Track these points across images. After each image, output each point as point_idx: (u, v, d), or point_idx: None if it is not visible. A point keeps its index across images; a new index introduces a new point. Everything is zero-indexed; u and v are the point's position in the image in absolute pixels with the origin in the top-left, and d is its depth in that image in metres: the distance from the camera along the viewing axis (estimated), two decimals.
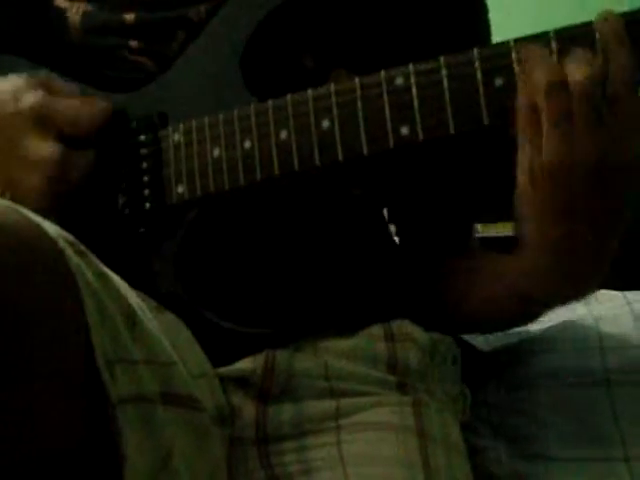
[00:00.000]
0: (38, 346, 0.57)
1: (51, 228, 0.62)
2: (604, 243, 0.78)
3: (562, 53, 0.70)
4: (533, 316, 0.95)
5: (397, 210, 1.04)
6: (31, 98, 0.84)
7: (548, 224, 0.76)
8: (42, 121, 0.84)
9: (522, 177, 0.74)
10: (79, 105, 0.86)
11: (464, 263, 0.96)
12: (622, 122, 0.69)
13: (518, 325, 1.02)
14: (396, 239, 1.05)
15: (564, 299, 0.88)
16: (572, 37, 0.70)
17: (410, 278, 0.98)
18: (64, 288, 0.60)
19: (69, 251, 0.61)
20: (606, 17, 0.69)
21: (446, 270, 0.97)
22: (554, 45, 0.71)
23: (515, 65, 0.71)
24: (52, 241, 0.60)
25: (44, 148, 0.83)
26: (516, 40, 0.72)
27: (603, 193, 0.72)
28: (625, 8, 0.70)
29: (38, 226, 0.61)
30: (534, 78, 0.70)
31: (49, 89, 0.86)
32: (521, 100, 0.71)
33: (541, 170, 0.72)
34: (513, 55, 0.71)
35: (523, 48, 0.71)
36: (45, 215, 0.65)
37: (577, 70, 0.68)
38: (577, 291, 0.85)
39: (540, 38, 0.71)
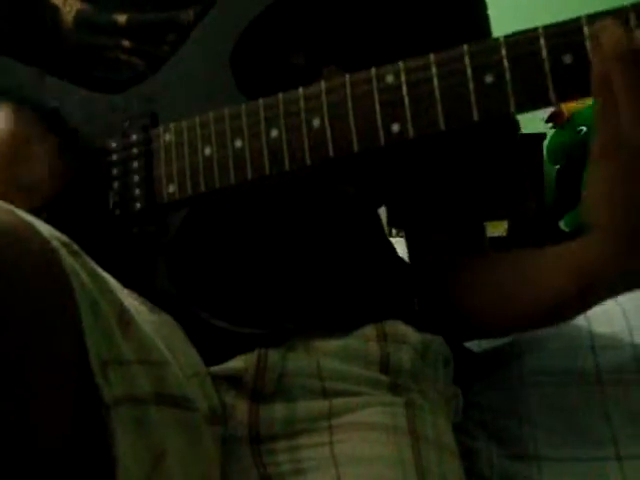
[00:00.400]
0: (30, 347, 0.57)
1: (44, 228, 0.62)
2: None
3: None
4: (585, 308, 0.93)
5: (396, 211, 1.04)
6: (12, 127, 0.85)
7: (620, 205, 0.74)
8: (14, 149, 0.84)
9: (596, 150, 0.73)
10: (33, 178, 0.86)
11: (491, 265, 0.96)
12: None
13: (565, 320, 1.00)
14: (393, 239, 1.05)
15: (622, 289, 0.86)
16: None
17: (404, 278, 0.98)
18: (58, 288, 0.60)
19: (63, 251, 0.61)
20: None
21: (469, 274, 0.97)
22: (632, 22, 0.69)
23: (505, 61, 0.71)
24: (45, 241, 0.60)
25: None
26: (506, 36, 0.72)
27: None
28: None
29: (31, 226, 0.61)
30: (604, 48, 0.68)
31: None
32: (594, 72, 0.68)
33: (615, 142, 0.70)
34: (503, 51, 0.71)
35: (598, 22, 0.69)
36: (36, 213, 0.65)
37: None
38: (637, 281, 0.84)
39: (530, 33, 0.71)
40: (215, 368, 0.83)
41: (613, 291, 0.87)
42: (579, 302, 0.88)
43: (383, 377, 0.88)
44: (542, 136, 3.13)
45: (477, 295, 0.96)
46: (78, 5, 0.94)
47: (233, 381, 0.83)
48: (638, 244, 0.77)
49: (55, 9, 0.95)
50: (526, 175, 0.99)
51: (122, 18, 0.92)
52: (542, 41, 0.70)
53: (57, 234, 0.63)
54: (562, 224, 3.11)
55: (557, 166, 3.27)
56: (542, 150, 3.17)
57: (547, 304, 0.90)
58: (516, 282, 0.93)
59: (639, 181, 0.71)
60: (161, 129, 0.86)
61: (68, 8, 0.95)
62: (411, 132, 0.75)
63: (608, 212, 0.76)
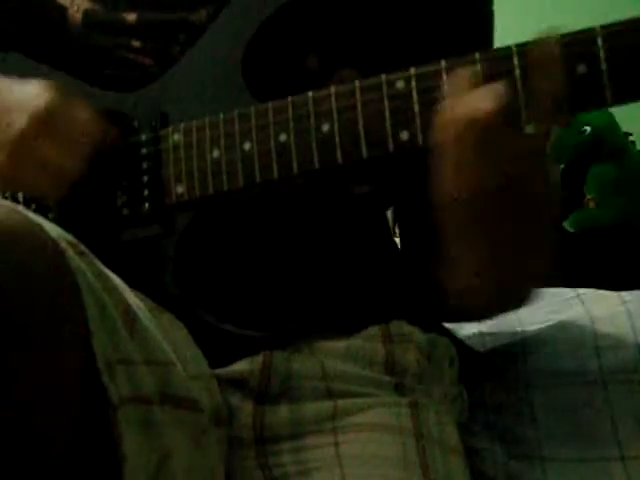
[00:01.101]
0: (37, 346, 0.57)
1: (52, 229, 0.62)
2: (521, 260, 0.82)
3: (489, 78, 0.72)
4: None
5: (404, 209, 1.04)
6: (45, 100, 0.85)
7: (472, 242, 0.80)
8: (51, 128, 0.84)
9: (436, 197, 0.76)
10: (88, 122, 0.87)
11: None
12: (527, 145, 0.72)
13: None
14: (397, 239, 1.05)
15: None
16: (499, 58, 0.72)
17: (409, 278, 0.98)
18: (65, 289, 0.60)
19: (70, 252, 0.61)
20: (541, 38, 0.71)
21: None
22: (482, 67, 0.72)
23: (517, 70, 0.71)
24: (53, 242, 0.61)
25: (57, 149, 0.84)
26: (517, 45, 0.71)
27: (514, 208, 0.74)
28: None
29: (39, 227, 0.61)
30: (443, 112, 0.72)
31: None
32: (436, 126, 0.73)
33: (457, 194, 0.74)
34: (515, 60, 0.71)
35: (451, 73, 0.73)
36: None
37: (476, 107, 0.70)
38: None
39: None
40: (220, 370, 0.83)
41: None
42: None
43: (388, 377, 0.88)
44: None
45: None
46: (86, 4, 0.94)
47: (238, 383, 0.83)
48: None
49: (62, 9, 0.95)
50: None
51: (131, 17, 0.92)
52: (558, 49, 0.70)
53: (65, 234, 0.63)
54: (567, 224, 3.11)
55: (561, 166, 3.26)
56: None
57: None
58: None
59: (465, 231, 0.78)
60: (170, 129, 0.86)
61: (76, 7, 0.95)
62: (420, 140, 0.75)
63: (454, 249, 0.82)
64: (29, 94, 0.86)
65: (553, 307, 1.17)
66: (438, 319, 0.96)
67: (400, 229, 1.05)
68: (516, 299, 0.91)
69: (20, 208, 0.62)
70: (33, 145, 0.84)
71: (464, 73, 0.72)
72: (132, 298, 0.70)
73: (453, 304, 0.92)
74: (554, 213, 0.81)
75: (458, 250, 0.81)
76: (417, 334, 0.91)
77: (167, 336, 0.74)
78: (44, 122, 0.84)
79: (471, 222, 0.77)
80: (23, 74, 0.90)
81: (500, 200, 0.73)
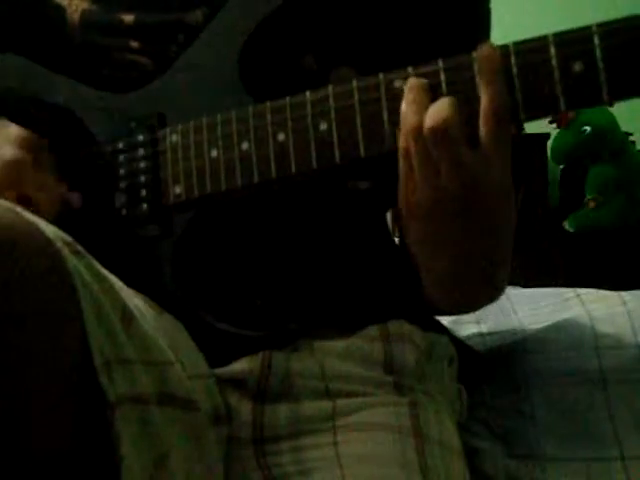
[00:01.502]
0: (34, 346, 0.58)
1: (48, 228, 0.62)
2: (486, 267, 0.86)
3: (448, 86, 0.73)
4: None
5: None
6: (10, 155, 0.84)
7: (431, 252, 0.85)
8: (8, 181, 0.83)
9: (401, 208, 0.80)
10: (42, 195, 0.85)
11: None
12: (488, 153, 0.73)
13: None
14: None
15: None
16: (455, 68, 0.73)
17: (408, 278, 0.98)
18: (61, 288, 0.60)
19: (66, 251, 0.61)
20: (483, 50, 0.72)
21: None
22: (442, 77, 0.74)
23: (514, 69, 0.71)
24: (49, 241, 0.61)
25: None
26: (515, 43, 0.71)
27: (472, 213, 0.77)
28: None
29: (35, 226, 0.61)
30: (404, 122, 0.74)
31: (33, 154, 0.85)
32: (399, 144, 0.75)
33: (414, 205, 0.78)
34: (512, 59, 0.71)
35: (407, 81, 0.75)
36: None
37: (432, 116, 0.72)
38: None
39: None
40: (219, 370, 0.83)
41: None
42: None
43: (387, 377, 0.88)
44: (546, 136, 3.13)
45: None
46: (84, 5, 0.94)
47: (237, 383, 0.83)
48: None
49: (60, 9, 0.95)
50: (519, 171, 1.00)
51: (129, 18, 0.92)
52: (552, 49, 0.70)
53: (61, 234, 0.63)
54: (566, 224, 3.11)
55: (561, 166, 3.26)
56: (546, 150, 3.16)
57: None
58: None
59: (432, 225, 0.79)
60: (168, 130, 0.86)
61: (74, 7, 0.95)
62: None
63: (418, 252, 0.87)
64: None
65: (553, 307, 1.17)
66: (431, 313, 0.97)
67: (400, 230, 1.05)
68: (477, 300, 0.95)
69: (16, 208, 0.62)
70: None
71: (419, 83, 0.74)
72: (129, 297, 0.71)
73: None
74: (510, 227, 0.84)
75: (419, 259, 0.87)
76: (416, 333, 0.91)
77: (166, 336, 0.74)
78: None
79: (426, 232, 0.81)
80: (20, 75, 0.90)
81: (455, 212, 0.76)
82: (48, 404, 0.59)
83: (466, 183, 0.73)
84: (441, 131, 0.71)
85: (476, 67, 0.72)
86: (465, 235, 0.80)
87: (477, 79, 0.72)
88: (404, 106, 0.74)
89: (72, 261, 0.61)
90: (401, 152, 0.75)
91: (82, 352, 0.60)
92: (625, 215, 3.03)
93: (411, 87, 0.74)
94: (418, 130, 0.72)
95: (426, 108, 0.72)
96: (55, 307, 0.59)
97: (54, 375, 0.59)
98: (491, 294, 0.93)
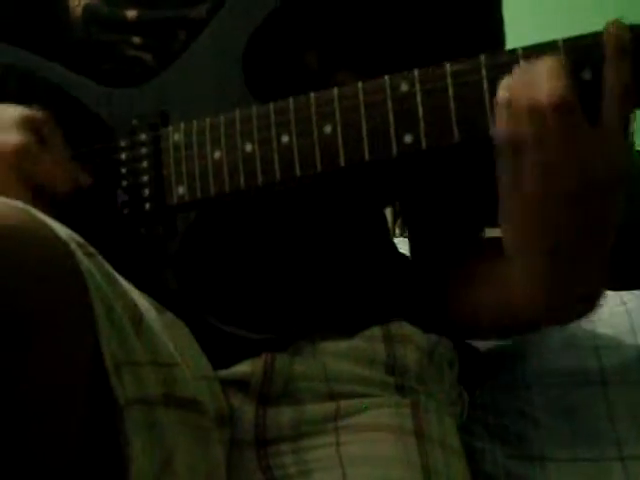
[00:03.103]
0: (47, 348, 0.57)
1: (61, 230, 0.62)
2: (592, 257, 0.78)
3: (565, 68, 0.68)
4: (539, 324, 0.95)
5: (408, 207, 1.04)
6: (15, 140, 0.83)
7: (532, 245, 0.76)
8: (19, 167, 0.83)
9: (506, 195, 0.74)
10: (57, 171, 0.85)
11: (478, 268, 0.95)
12: (608, 130, 0.69)
13: (529, 331, 1.01)
14: (397, 239, 1.05)
15: (566, 312, 0.88)
16: (581, 48, 0.69)
17: (409, 279, 0.98)
18: (74, 290, 0.60)
19: (79, 253, 0.61)
20: (613, 27, 0.68)
21: (461, 275, 0.97)
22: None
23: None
24: (63, 243, 0.61)
25: (13, 194, 0.81)
26: (524, 48, 0.70)
27: (588, 202, 0.72)
28: None
29: (49, 228, 0.61)
30: (512, 103, 0.69)
31: (38, 133, 0.85)
32: (498, 126, 0.70)
33: (523, 198, 0.72)
34: (521, 63, 0.70)
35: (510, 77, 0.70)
36: None
37: (551, 86, 0.67)
38: (576, 302, 0.85)
39: (548, 47, 0.70)
40: (223, 372, 0.83)
41: (557, 313, 0.88)
42: (526, 315, 0.88)
43: (389, 378, 0.88)
44: None
45: (467, 294, 0.96)
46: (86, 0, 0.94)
47: (240, 385, 0.83)
48: (549, 274, 0.79)
49: (64, 2, 0.95)
50: None
51: (132, 14, 0.92)
52: (561, 55, 0.69)
53: (74, 235, 0.63)
54: None
55: None
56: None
57: (495, 315, 0.91)
58: (484, 287, 0.93)
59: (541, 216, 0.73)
60: (171, 129, 0.86)
61: (77, 2, 0.94)
62: (424, 143, 0.74)
63: (520, 250, 0.79)
64: None
65: None
66: (449, 333, 0.96)
67: (410, 239, 1.05)
68: (558, 318, 0.90)
69: (30, 208, 0.62)
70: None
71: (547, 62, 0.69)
72: (139, 299, 0.71)
73: (486, 319, 0.92)
74: (613, 234, 0.79)
75: (515, 251, 0.80)
76: (418, 335, 0.91)
77: (171, 337, 0.74)
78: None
79: (539, 225, 0.74)
80: (13, 64, 0.90)
81: (571, 206, 0.71)
82: (58, 405, 0.59)
83: (585, 162, 0.69)
84: (562, 101, 0.67)
85: (486, 69, 0.71)
86: (572, 226, 0.73)
87: (487, 82, 0.71)
88: (510, 87, 0.69)
89: (85, 263, 0.61)
90: (507, 138, 0.70)
91: (93, 354, 0.60)
92: (625, 215, 3.02)
93: (519, 69, 0.70)
94: (534, 106, 0.68)
95: (537, 85, 0.68)
96: (68, 309, 0.59)
97: (65, 377, 0.59)
98: (586, 305, 0.87)
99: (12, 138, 0.83)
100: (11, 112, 0.85)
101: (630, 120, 0.70)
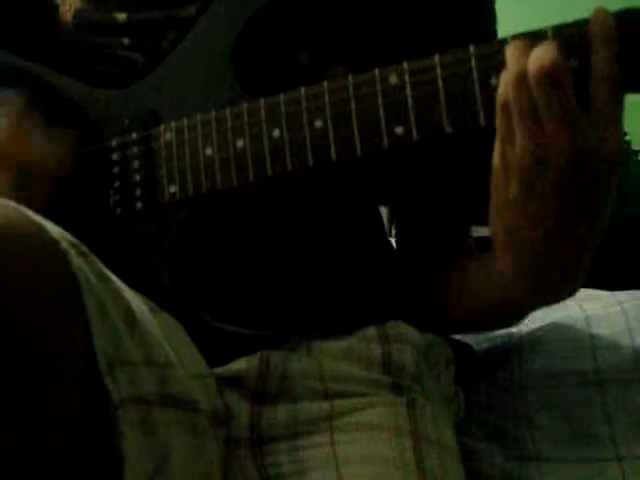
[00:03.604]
0: (40, 347, 0.57)
1: (54, 229, 0.62)
2: (581, 241, 0.75)
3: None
4: (517, 317, 0.95)
5: (398, 206, 1.04)
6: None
7: (522, 223, 0.74)
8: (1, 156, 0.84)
9: (495, 175, 0.73)
10: (41, 153, 0.86)
11: (461, 262, 0.95)
12: (598, 115, 0.68)
13: (506, 326, 1.02)
14: (393, 239, 1.05)
15: (545, 299, 0.86)
16: (569, 35, 0.69)
17: (405, 279, 0.98)
18: (67, 290, 0.60)
19: (72, 252, 0.61)
20: (597, 15, 0.68)
21: (444, 270, 0.97)
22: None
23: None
24: (55, 242, 0.61)
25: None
26: (513, 36, 0.70)
27: (579, 190, 0.70)
28: None
29: (41, 227, 0.61)
30: (505, 72, 0.69)
31: (24, 119, 0.85)
32: (498, 94, 0.70)
33: (513, 167, 0.71)
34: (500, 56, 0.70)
35: (508, 46, 0.70)
36: None
37: (540, 57, 0.67)
38: (558, 290, 0.84)
39: (537, 35, 0.70)
40: (217, 370, 0.83)
41: (536, 302, 0.87)
42: (506, 310, 0.89)
43: (385, 378, 0.88)
44: None
45: (450, 291, 0.96)
46: (77, 4, 0.94)
47: (235, 383, 0.83)
48: (536, 261, 0.77)
49: (54, 7, 0.95)
50: None
51: (122, 16, 0.92)
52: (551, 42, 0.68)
53: (66, 235, 0.63)
54: None
55: None
56: None
57: (484, 309, 0.91)
58: (463, 282, 0.93)
59: (530, 202, 0.72)
60: (162, 128, 0.86)
61: (67, 7, 0.94)
62: (415, 135, 0.74)
63: (510, 231, 0.76)
64: None
65: (548, 307, 1.17)
66: (436, 329, 0.96)
67: (397, 233, 1.05)
68: (558, 291, 0.85)
69: (22, 208, 0.61)
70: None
71: (522, 39, 0.69)
72: (132, 299, 0.70)
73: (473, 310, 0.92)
74: (608, 214, 0.76)
75: (504, 233, 0.78)
76: (413, 334, 0.91)
77: (165, 336, 0.74)
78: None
79: (518, 199, 0.73)
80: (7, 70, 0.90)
81: (556, 180, 0.70)
82: (52, 405, 0.59)
83: (576, 141, 0.68)
84: (548, 72, 0.66)
85: (476, 60, 0.71)
86: (564, 208, 0.72)
87: (477, 73, 0.71)
88: (508, 57, 0.69)
89: (77, 262, 0.61)
90: (500, 107, 0.69)
91: (87, 353, 0.60)
92: (620, 215, 3.04)
93: (514, 42, 0.70)
94: (521, 76, 0.67)
95: (528, 54, 0.68)
96: (60, 308, 0.59)
97: (59, 376, 0.59)
98: (572, 286, 0.84)
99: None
100: None
101: (622, 106, 0.69)
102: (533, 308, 0.90)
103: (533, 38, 0.69)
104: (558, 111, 0.67)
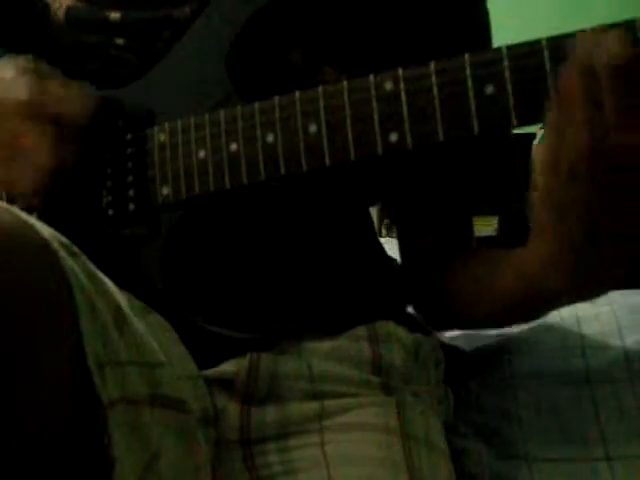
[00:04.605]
0: (29, 347, 0.57)
1: (44, 229, 0.62)
2: (624, 238, 0.72)
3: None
4: (535, 313, 0.92)
5: (392, 204, 1.04)
6: (23, 86, 0.84)
7: (566, 214, 0.72)
8: (35, 110, 0.84)
9: (543, 167, 0.71)
10: (70, 95, 0.86)
11: (475, 260, 0.95)
12: None
13: (534, 319, 0.99)
14: (383, 239, 1.05)
15: (583, 294, 0.83)
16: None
17: (394, 279, 0.98)
18: (57, 289, 0.60)
19: (62, 253, 0.61)
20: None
21: (455, 268, 0.96)
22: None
23: (507, 72, 0.69)
24: (45, 242, 0.60)
25: (36, 137, 0.83)
26: (509, 47, 0.70)
27: (631, 187, 0.68)
28: None
29: (31, 227, 0.61)
30: (572, 60, 0.66)
31: (39, 75, 0.85)
32: (561, 82, 0.67)
33: (564, 158, 0.69)
34: (505, 62, 0.70)
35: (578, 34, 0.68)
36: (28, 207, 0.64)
37: (611, 51, 0.65)
38: (596, 285, 0.80)
39: (532, 45, 0.69)
40: (207, 371, 0.83)
41: (561, 300, 0.85)
42: (526, 307, 0.87)
43: (375, 378, 0.88)
44: (532, 136, 3.14)
45: (457, 290, 0.96)
46: (68, 1, 0.94)
47: (225, 384, 0.83)
48: (582, 256, 0.74)
49: (45, 5, 0.95)
50: (515, 172, 0.98)
51: (115, 15, 0.91)
52: (546, 53, 0.69)
53: (57, 235, 0.63)
54: None
55: None
56: (531, 150, 3.17)
57: (499, 305, 0.89)
58: (479, 282, 0.92)
59: (578, 192, 0.69)
60: (156, 129, 0.86)
61: (58, 5, 0.94)
62: (409, 142, 0.74)
63: (548, 218, 0.74)
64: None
65: None
66: (439, 325, 0.95)
67: (399, 236, 1.04)
68: (602, 283, 0.80)
69: (12, 208, 0.61)
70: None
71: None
72: (123, 299, 0.70)
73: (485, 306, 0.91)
74: None
75: (543, 228, 0.75)
76: (403, 334, 0.91)
77: (155, 337, 0.74)
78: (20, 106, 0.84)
79: (567, 193, 0.70)
80: None
81: (610, 173, 0.67)
82: (41, 405, 0.58)
83: (633, 140, 0.65)
84: (620, 65, 0.64)
85: (470, 68, 0.71)
86: (611, 205, 0.69)
87: (471, 81, 0.71)
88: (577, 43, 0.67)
89: (68, 262, 0.61)
90: (561, 97, 0.67)
91: (76, 354, 0.60)
92: None
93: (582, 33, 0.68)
94: (591, 66, 0.65)
95: (599, 44, 0.65)
96: (51, 308, 0.59)
97: (48, 376, 0.59)
98: (608, 285, 0.80)
99: (18, 86, 0.84)
100: (4, 66, 0.87)
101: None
102: (563, 302, 0.88)
103: (529, 49, 0.69)
104: (626, 103, 0.65)
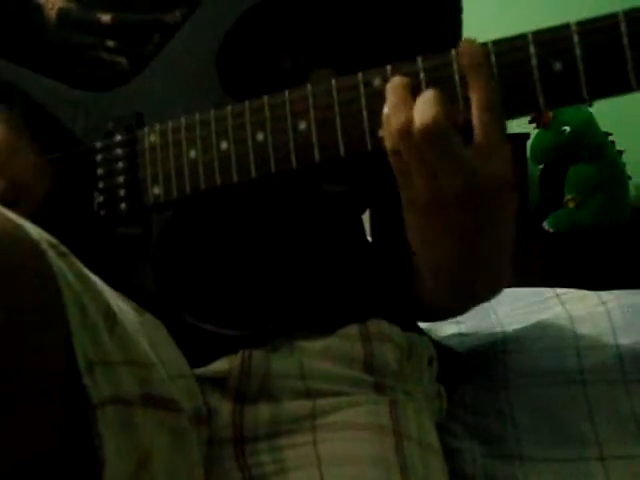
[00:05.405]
0: (19, 348, 0.57)
1: (33, 230, 0.62)
2: (486, 258, 0.83)
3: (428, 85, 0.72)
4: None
5: (380, 209, 1.04)
6: None
7: (430, 246, 0.82)
8: None
9: (403, 209, 0.78)
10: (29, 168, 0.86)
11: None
12: (484, 145, 0.71)
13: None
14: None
15: (466, 297, 0.94)
16: (435, 67, 0.72)
17: (386, 277, 0.98)
18: (46, 290, 0.60)
19: (51, 253, 0.61)
20: (465, 46, 0.71)
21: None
22: (422, 76, 0.73)
23: (494, 68, 0.70)
24: (34, 243, 0.60)
25: None
26: (494, 42, 0.71)
27: (477, 214, 0.75)
28: None
29: (20, 227, 0.61)
30: (389, 123, 0.72)
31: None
32: (386, 143, 0.73)
33: (415, 204, 0.76)
34: (492, 58, 0.70)
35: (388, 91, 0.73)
36: None
37: (421, 114, 0.70)
38: (474, 291, 0.91)
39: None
40: (199, 370, 0.83)
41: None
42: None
43: (367, 376, 0.88)
44: (526, 136, 3.14)
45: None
46: (60, 3, 0.94)
47: (217, 383, 0.83)
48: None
49: (38, 6, 0.95)
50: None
51: (106, 17, 0.92)
52: (532, 48, 0.69)
53: (46, 235, 0.63)
54: (546, 224, 3.12)
55: (540, 166, 3.27)
56: (526, 150, 3.17)
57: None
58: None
59: (431, 228, 0.79)
60: (146, 130, 0.86)
61: (50, 6, 0.94)
62: None
63: (422, 251, 0.85)
64: None
65: (533, 307, 1.17)
66: (413, 318, 0.96)
67: (372, 230, 1.05)
68: (475, 299, 0.94)
69: (1, 208, 0.61)
70: None
71: (402, 82, 0.72)
72: (112, 299, 0.70)
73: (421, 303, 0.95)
74: (512, 222, 0.81)
75: (419, 252, 0.85)
76: (396, 333, 0.91)
77: (147, 336, 0.74)
78: None
79: (425, 226, 0.79)
80: None
81: (456, 207, 0.74)
82: (31, 405, 0.58)
83: (467, 179, 0.72)
84: (433, 128, 0.69)
85: (457, 64, 0.72)
86: (467, 229, 0.77)
87: (458, 76, 0.71)
88: (388, 106, 0.72)
89: (57, 263, 0.61)
90: (390, 152, 0.73)
91: (66, 354, 0.60)
92: (604, 215, 3.05)
93: (394, 87, 0.72)
94: (407, 130, 0.71)
95: (411, 107, 0.71)
96: (39, 308, 0.59)
97: (38, 376, 0.59)
98: (492, 289, 0.92)
99: None
100: None
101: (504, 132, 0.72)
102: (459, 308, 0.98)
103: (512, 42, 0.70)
104: (446, 160, 0.71)
